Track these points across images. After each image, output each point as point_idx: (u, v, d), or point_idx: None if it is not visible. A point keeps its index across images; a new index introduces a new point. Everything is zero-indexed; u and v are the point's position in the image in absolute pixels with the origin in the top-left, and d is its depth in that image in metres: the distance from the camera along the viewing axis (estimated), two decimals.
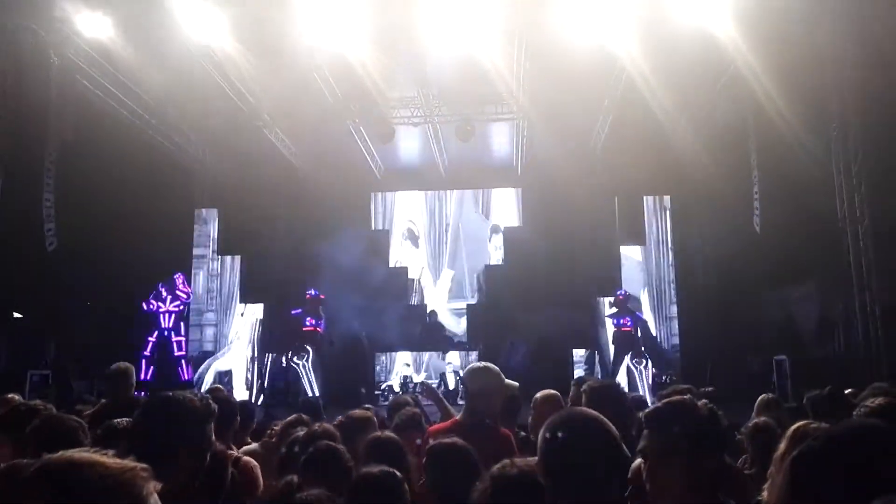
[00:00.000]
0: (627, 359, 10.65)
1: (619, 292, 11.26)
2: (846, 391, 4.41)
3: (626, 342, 10.80)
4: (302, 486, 2.26)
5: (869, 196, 8.58)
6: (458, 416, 3.65)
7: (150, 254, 11.42)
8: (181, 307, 11.28)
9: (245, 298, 12.92)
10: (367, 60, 9.55)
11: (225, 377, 11.73)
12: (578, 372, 11.75)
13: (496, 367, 3.54)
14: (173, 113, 10.91)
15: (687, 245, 12.10)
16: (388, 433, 3.28)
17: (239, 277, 13.00)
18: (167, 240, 12.03)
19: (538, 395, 3.91)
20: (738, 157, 10.39)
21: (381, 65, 9.70)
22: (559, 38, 9.25)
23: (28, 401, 4.61)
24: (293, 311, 11.13)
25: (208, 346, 12.90)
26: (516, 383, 3.77)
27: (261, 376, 10.42)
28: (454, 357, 13.35)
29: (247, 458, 3.48)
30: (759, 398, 4.65)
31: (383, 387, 12.18)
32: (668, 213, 12.98)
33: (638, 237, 12.73)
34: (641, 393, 9.52)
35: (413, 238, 14.69)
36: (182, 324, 11.34)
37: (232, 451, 3.37)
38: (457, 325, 13.73)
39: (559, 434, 1.73)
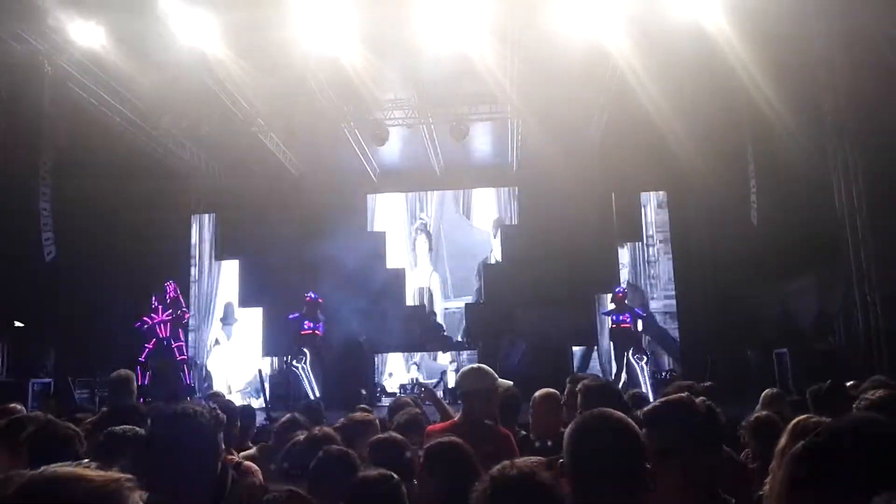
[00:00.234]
0: (629, 355, 10.66)
1: (617, 289, 11.26)
2: (847, 384, 4.41)
3: (626, 339, 10.81)
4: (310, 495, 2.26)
5: (866, 188, 8.60)
6: (456, 417, 3.65)
7: (148, 260, 11.44)
8: (173, 314, 11.24)
9: (244, 303, 12.93)
10: (359, 63, 9.55)
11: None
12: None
13: (489, 368, 3.56)
14: (168, 119, 10.89)
15: (685, 240, 12.11)
16: (392, 434, 3.28)
17: (238, 282, 13.00)
18: (165, 245, 12.04)
19: (537, 394, 3.92)
20: (734, 151, 10.41)
21: (374, 67, 9.70)
22: (552, 36, 9.25)
23: (31, 411, 4.62)
24: (290, 316, 11.14)
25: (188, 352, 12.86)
26: (510, 382, 3.78)
27: (261, 380, 10.40)
28: (445, 358, 13.36)
29: (248, 462, 3.49)
30: (764, 392, 4.66)
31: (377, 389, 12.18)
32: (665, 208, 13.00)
33: (635, 234, 12.75)
34: (643, 389, 9.54)
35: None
36: (180, 330, 11.31)
37: (232, 457, 3.38)
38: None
39: (588, 437, 1.72)
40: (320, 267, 11.78)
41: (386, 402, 10.93)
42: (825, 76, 8.81)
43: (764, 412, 3.95)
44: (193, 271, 13.38)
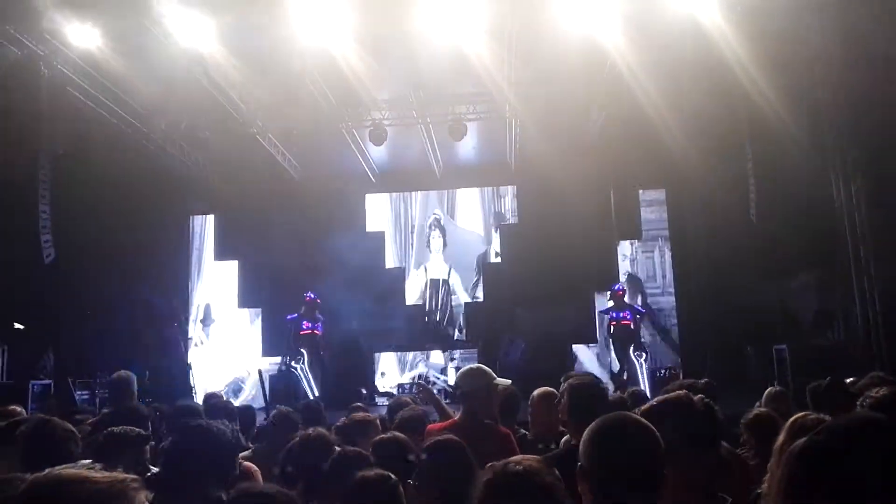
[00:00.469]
0: (630, 352, 10.67)
1: (616, 287, 11.26)
2: (846, 380, 4.42)
3: (626, 336, 10.81)
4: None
5: (864, 183, 8.61)
6: (456, 417, 3.66)
7: (147, 261, 11.43)
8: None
9: (243, 304, 12.94)
10: (357, 63, 9.55)
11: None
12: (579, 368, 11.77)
13: (487, 368, 3.57)
14: (165, 121, 10.89)
15: (683, 237, 12.11)
16: (395, 434, 3.28)
17: (237, 283, 12.99)
18: (164, 247, 12.04)
19: (535, 392, 3.93)
20: (732, 148, 10.42)
21: (371, 67, 9.69)
22: (549, 34, 9.25)
23: (31, 412, 4.63)
24: (288, 317, 11.15)
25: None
26: (509, 381, 3.79)
27: (261, 380, 10.41)
28: (438, 356, 13.32)
29: (248, 463, 3.50)
30: (767, 390, 4.67)
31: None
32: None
33: (634, 232, 12.74)
34: (641, 387, 9.54)
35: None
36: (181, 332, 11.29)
37: None
38: None
39: (609, 442, 1.71)
40: (319, 267, 11.78)
41: (380, 401, 10.97)
42: (822, 72, 8.83)
43: (763, 409, 3.96)
44: (193, 273, 13.38)
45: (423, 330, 12.56)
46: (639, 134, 10.99)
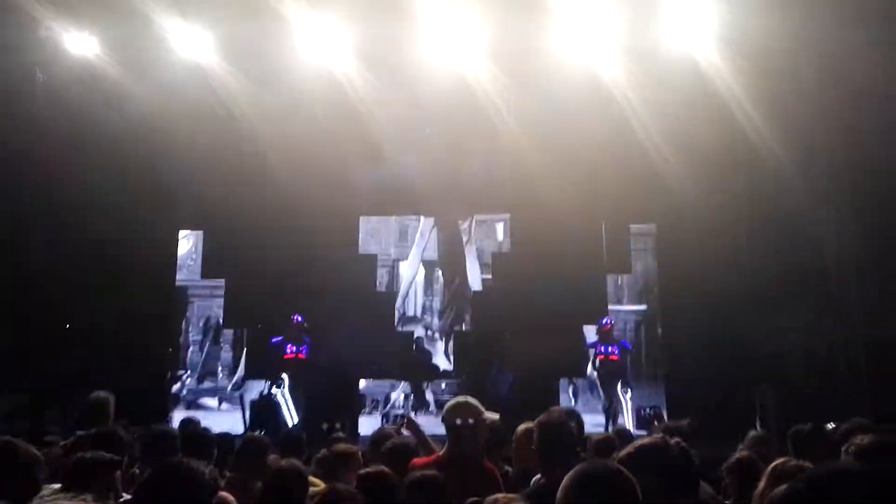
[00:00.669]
0: (618, 388, 10.63)
1: (604, 321, 11.25)
2: (828, 425, 4.40)
3: (613, 371, 10.77)
4: None
5: (856, 226, 8.70)
6: (440, 451, 3.60)
7: (131, 276, 11.27)
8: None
9: (228, 323, 12.77)
10: (357, 82, 9.63)
11: None
12: (564, 400, 11.69)
13: (475, 401, 3.51)
14: (161, 132, 10.87)
15: (672, 274, 12.12)
16: (380, 468, 3.22)
17: (223, 301, 12.86)
18: (151, 261, 11.90)
19: (519, 428, 3.88)
20: (725, 186, 10.47)
21: (371, 86, 9.78)
22: (549, 65, 9.40)
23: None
24: (272, 340, 11.02)
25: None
26: (496, 415, 3.73)
27: (241, 405, 10.28)
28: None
29: (224, 493, 3.42)
30: (749, 434, 4.64)
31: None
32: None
33: (623, 266, 12.75)
34: (626, 424, 9.51)
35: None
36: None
37: None
38: None
39: (585, 490, 1.72)
40: (309, 288, 11.68)
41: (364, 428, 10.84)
42: (816, 115, 8.95)
43: (745, 453, 3.93)
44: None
45: (408, 359, 12.46)
46: (632, 167, 11.08)
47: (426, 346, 13.47)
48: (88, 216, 10.64)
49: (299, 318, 11.08)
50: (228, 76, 9.65)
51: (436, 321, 15.77)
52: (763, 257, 9.78)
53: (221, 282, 12.59)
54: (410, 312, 16.15)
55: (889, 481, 1.26)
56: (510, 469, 4.02)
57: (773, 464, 2.97)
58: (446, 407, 3.56)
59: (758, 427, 8.26)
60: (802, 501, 1.28)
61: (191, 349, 15.46)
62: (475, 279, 14.16)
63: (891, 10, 7.97)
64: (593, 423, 10.44)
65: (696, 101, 9.57)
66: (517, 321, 11.72)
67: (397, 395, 12.91)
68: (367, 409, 12.41)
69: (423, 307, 16.51)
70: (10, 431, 6.85)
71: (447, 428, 3.49)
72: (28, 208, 10.35)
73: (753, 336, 10.21)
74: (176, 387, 13.00)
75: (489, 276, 13.42)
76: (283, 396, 10.66)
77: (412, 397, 12.93)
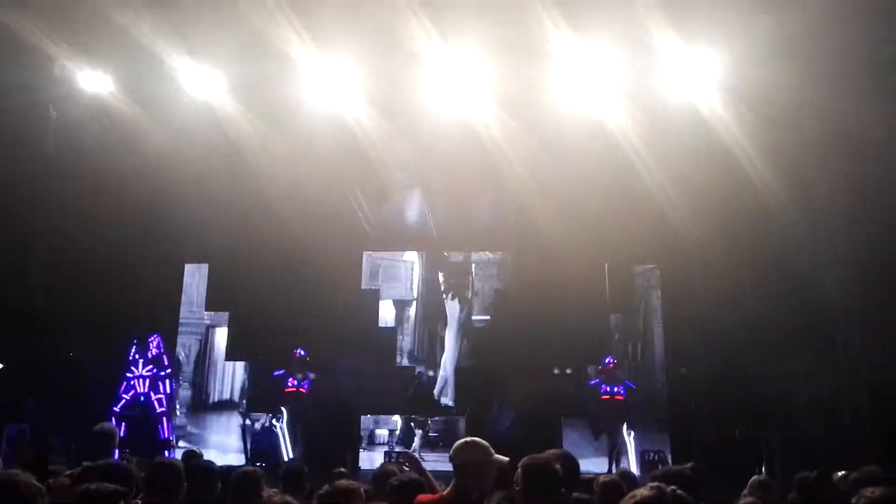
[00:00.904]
0: (623, 429, 10.51)
1: (607, 360, 11.20)
2: (838, 473, 4.36)
3: (619, 411, 10.67)
4: None
5: (857, 273, 8.73)
6: (444, 491, 3.58)
7: (137, 308, 11.33)
8: (154, 371, 10.98)
9: (231, 356, 12.76)
10: (364, 123, 9.82)
11: None
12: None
13: (484, 443, 3.46)
14: (170, 169, 11.04)
15: (676, 317, 12.11)
16: None
17: (227, 335, 12.86)
18: (155, 295, 11.96)
19: (519, 468, 3.85)
20: (729, 230, 10.54)
21: (379, 127, 9.97)
22: (552, 106, 9.58)
23: (5, 457, 4.51)
24: (275, 373, 11.02)
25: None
26: (506, 459, 3.70)
27: (243, 437, 10.20)
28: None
29: None
30: (752, 479, 4.60)
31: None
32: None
33: (625, 307, 12.74)
34: (631, 466, 9.40)
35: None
36: (161, 383, 11.01)
37: None
38: None
39: None
40: (311, 323, 11.70)
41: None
42: (818, 164, 9.07)
43: (749, 499, 3.91)
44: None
45: (409, 395, 12.38)
46: (636, 210, 11.19)
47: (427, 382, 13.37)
48: (96, 247, 10.75)
49: (302, 353, 11.08)
50: (237, 115, 9.86)
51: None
52: (766, 301, 9.80)
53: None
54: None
55: None
56: None
57: None
58: (455, 446, 3.52)
59: (762, 471, 8.18)
60: None
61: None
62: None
63: (893, 59, 8.15)
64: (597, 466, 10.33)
65: (700, 147, 9.71)
66: (519, 360, 11.69)
67: (382, 432, 12.80)
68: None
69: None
70: (17, 457, 6.86)
71: (455, 467, 3.45)
72: (35, 239, 10.47)
73: (758, 380, 10.17)
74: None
75: (487, 317, 13.34)
76: (281, 430, 10.59)
77: (397, 433, 12.86)
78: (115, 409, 10.47)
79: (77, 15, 8.40)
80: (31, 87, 9.43)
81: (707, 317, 10.86)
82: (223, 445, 11.69)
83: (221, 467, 4.43)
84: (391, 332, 13.39)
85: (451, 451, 3.51)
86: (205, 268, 12.97)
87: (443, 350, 13.20)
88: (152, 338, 11.10)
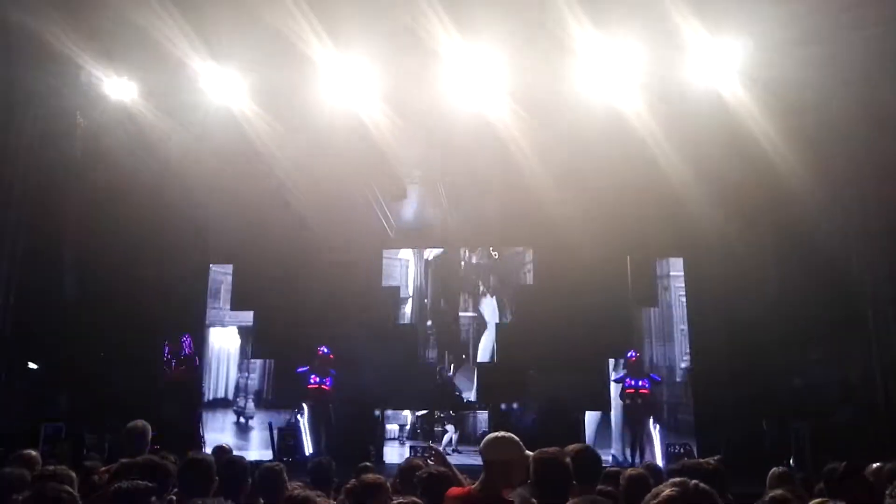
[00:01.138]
0: (649, 423, 10.46)
1: (630, 354, 11.14)
2: (872, 466, 4.30)
3: (646, 405, 10.61)
4: None
5: (886, 257, 8.59)
6: (472, 486, 3.59)
7: (166, 307, 11.54)
8: (185, 370, 11.18)
9: (256, 354, 12.95)
10: (381, 121, 9.87)
11: None
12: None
13: (516, 438, 3.44)
14: (194, 171, 11.21)
15: (701, 308, 12.00)
16: (412, 499, 3.24)
17: (252, 333, 13.04)
18: (183, 294, 12.16)
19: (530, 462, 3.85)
20: (753, 218, 10.41)
21: (396, 125, 10.01)
22: (571, 100, 9.53)
23: (42, 455, 4.64)
24: (298, 369, 11.15)
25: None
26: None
27: (270, 433, 10.33)
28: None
29: None
30: (771, 472, 4.57)
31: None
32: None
33: (650, 299, 12.67)
34: (656, 459, 9.36)
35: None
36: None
37: None
38: None
39: None
40: (334, 320, 11.81)
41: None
42: (846, 149, 8.91)
43: (779, 491, 3.87)
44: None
45: (432, 390, 12.45)
46: (658, 201, 11.09)
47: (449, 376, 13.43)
48: (124, 251, 10.95)
49: (325, 350, 11.19)
50: (257, 116, 9.97)
51: None
52: (791, 288, 9.67)
53: None
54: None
55: None
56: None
57: None
58: (485, 441, 3.52)
59: (791, 463, 8.10)
60: None
61: None
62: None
63: None
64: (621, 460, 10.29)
65: (722, 136, 9.60)
66: (542, 354, 11.68)
67: (392, 427, 12.91)
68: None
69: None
70: (53, 454, 7.04)
71: (485, 462, 3.45)
72: (65, 243, 10.69)
73: (784, 368, 10.05)
74: None
75: (508, 312, 13.36)
76: (302, 425, 10.74)
77: (406, 429, 12.98)
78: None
79: (103, 24, 8.57)
80: (59, 93, 9.63)
81: (732, 306, 10.75)
82: (218, 443, 11.83)
83: (252, 462, 4.50)
84: (412, 329, 13.47)
85: (480, 446, 3.52)
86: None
87: (461, 346, 13.28)
88: (184, 337, 11.31)
